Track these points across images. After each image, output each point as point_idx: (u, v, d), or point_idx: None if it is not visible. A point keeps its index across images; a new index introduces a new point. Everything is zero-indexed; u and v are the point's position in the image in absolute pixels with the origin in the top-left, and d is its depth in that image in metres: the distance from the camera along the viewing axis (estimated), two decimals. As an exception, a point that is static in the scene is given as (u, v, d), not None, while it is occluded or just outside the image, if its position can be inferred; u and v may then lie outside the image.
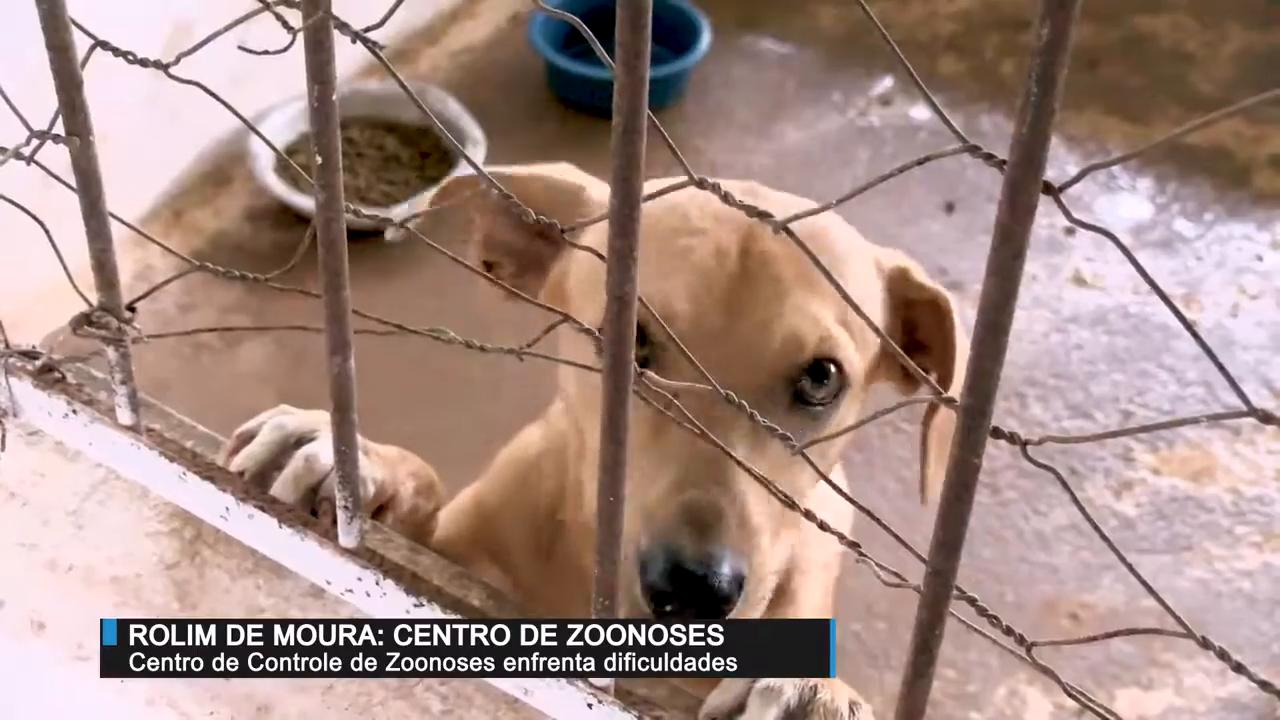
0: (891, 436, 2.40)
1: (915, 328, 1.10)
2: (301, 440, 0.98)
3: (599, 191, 1.09)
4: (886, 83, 3.12)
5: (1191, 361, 2.52)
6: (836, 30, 3.27)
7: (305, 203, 2.66)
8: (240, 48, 0.66)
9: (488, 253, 1.16)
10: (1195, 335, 0.56)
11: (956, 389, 1.03)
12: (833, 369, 0.99)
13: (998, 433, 0.66)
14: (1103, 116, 3.02)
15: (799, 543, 1.09)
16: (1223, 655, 0.59)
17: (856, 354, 1.00)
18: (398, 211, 2.82)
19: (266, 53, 0.66)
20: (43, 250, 0.94)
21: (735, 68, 3.17)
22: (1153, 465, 2.35)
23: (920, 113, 3.04)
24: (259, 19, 0.75)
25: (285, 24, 0.62)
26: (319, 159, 0.74)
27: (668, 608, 0.88)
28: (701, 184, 0.67)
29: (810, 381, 0.98)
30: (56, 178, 0.85)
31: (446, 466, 1.25)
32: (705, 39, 3.00)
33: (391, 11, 0.75)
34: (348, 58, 0.65)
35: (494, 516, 1.23)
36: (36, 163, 0.83)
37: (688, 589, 0.87)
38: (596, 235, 1.06)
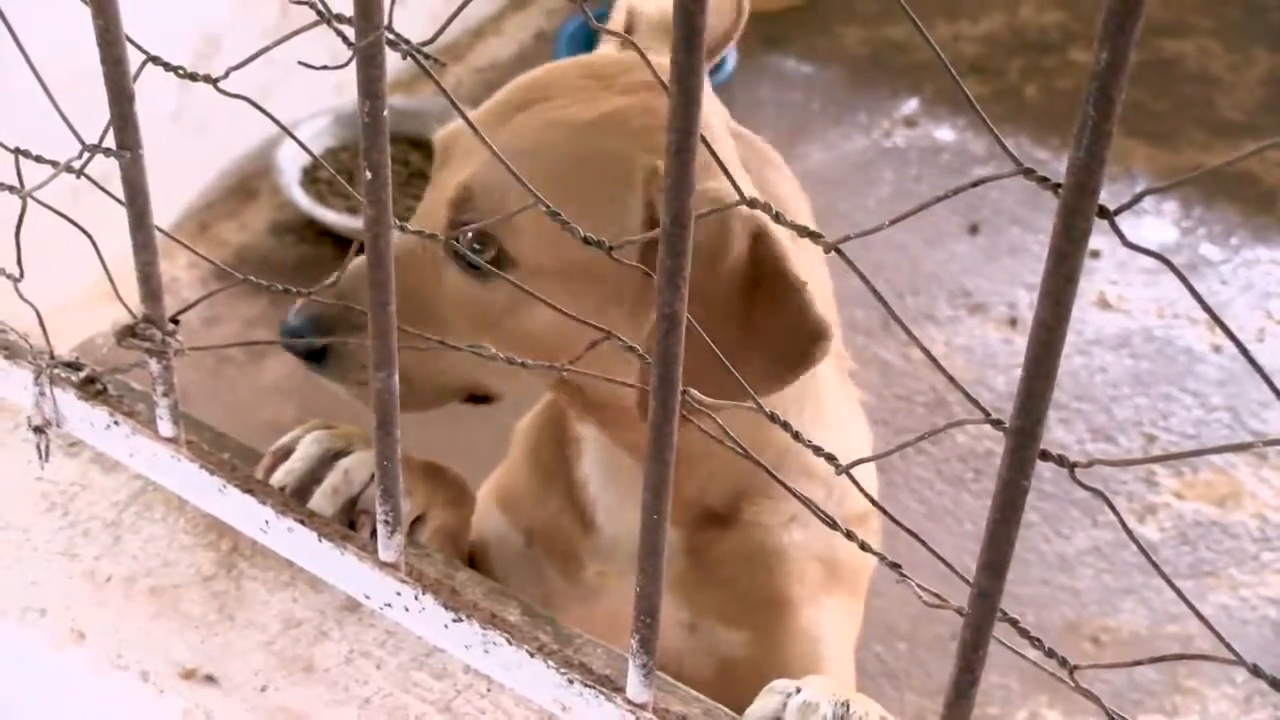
0: (913, 457, 2.40)
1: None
2: (339, 454, 0.99)
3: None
4: (911, 104, 3.13)
5: (1216, 386, 2.52)
6: (861, 51, 3.28)
7: (330, 216, 2.67)
8: (301, 64, 0.67)
9: None
10: (1257, 367, 0.56)
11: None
12: (487, 238, 1.00)
13: (1045, 455, 0.66)
14: (1126, 139, 3.02)
15: (750, 476, 1.10)
16: (1275, 685, 0.59)
17: (522, 233, 0.98)
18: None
19: (326, 68, 0.67)
20: (63, 261, 0.95)
21: (760, 88, 3.18)
22: (1176, 490, 2.35)
23: (945, 134, 3.05)
24: (286, 33, 0.76)
25: (346, 40, 0.62)
26: (368, 174, 0.75)
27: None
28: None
29: (473, 240, 1.01)
30: (106, 192, 0.85)
31: (468, 478, 1.27)
32: (731, 59, 3.01)
33: (443, 29, 0.75)
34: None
35: (508, 463, 1.30)
36: (86, 176, 0.83)
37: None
38: None
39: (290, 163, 2.74)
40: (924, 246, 2.73)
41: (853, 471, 0.73)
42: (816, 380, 1.11)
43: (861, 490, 0.75)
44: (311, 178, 2.78)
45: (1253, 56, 3.26)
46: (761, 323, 0.97)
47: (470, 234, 1.00)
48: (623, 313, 0.99)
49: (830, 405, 1.16)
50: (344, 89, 2.87)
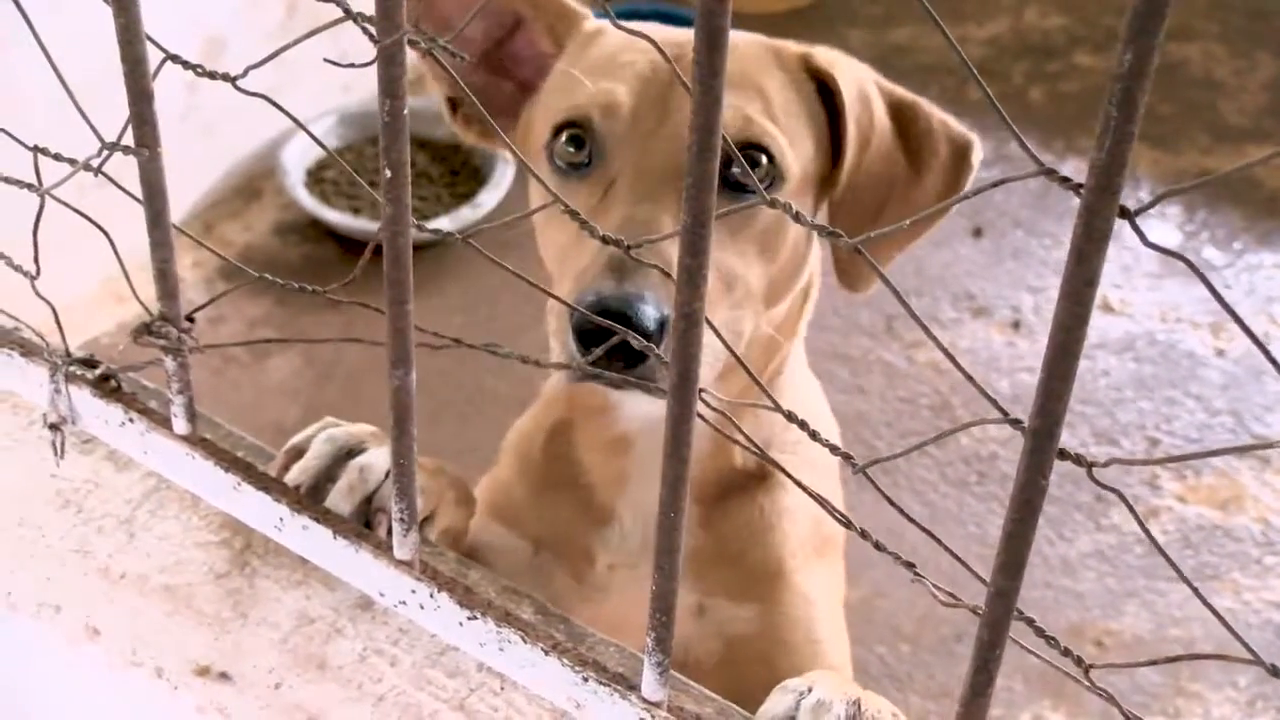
0: (916, 459, 2.40)
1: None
2: (352, 452, 0.99)
3: (592, 23, 1.17)
4: (915, 107, 3.13)
5: (1219, 390, 2.52)
6: (864, 55, 3.24)
7: (335, 217, 2.68)
8: (327, 61, 0.67)
9: (454, 88, 1.19)
10: (1272, 360, 0.56)
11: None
12: (764, 158, 1.06)
13: (1064, 454, 0.66)
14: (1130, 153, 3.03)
15: (778, 424, 1.14)
16: (1293, 680, 0.59)
17: (789, 148, 1.07)
18: (439, 223, 2.84)
19: (352, 65, 0.67)
20: (67, 262, 0.95)
21: (764, 90, 3.18)
22: (1179, 493, 2.35)
23: (949, 137, 3.05)
24: (294, 35, 0.76)
25: (372, 37, 0.63)
26: (388, 172, 0.75)
27: (594, 349, 0.92)
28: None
29: (740, 170, 1.03)
30: (123, 189, 0.86)
31: (473, 478, 1.28)
32: (735, 61, 3.01)
33: (463, 28, 0.76)
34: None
35: (500, 476, 1.29)
36: (104, 174, 0.84)
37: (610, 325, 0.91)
38: (572, 59, 1.12)
39: (295, 163, 2.75)
40: (928, 249, 2.73)
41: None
42: (795, 349, 1.22)
43: (879, 490, 0.75)
44: (316, 178, 2.79)
45: (1257, 61, 3.26)
46: (919, 148, 1.14)
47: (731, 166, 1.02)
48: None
49: (800, 370, 1.26)
50: (350, 89, 2.87)
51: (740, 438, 0.85)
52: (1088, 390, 2.52)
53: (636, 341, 0.82)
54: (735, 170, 1.02)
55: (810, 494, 0.81)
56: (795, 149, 1.08)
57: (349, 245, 2.69)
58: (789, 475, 0.81)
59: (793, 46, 1.14)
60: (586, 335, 0.93)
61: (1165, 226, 2.85)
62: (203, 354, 0.94)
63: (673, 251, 0.96)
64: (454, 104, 1.19)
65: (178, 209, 2.70)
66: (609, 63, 1.09)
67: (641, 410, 1.14)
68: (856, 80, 1.13)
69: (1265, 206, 2.90)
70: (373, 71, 0.69)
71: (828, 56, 1.14)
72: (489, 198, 2.70)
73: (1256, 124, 3.06)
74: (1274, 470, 2.38)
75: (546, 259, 1.12)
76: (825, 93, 1.12)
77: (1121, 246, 2.73)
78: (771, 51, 1.12)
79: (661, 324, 0.93)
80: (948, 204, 0.74)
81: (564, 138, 1.07)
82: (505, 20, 1.18)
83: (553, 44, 1.16)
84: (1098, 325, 2.64)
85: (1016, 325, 2.64)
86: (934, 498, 2.34)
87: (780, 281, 1.10)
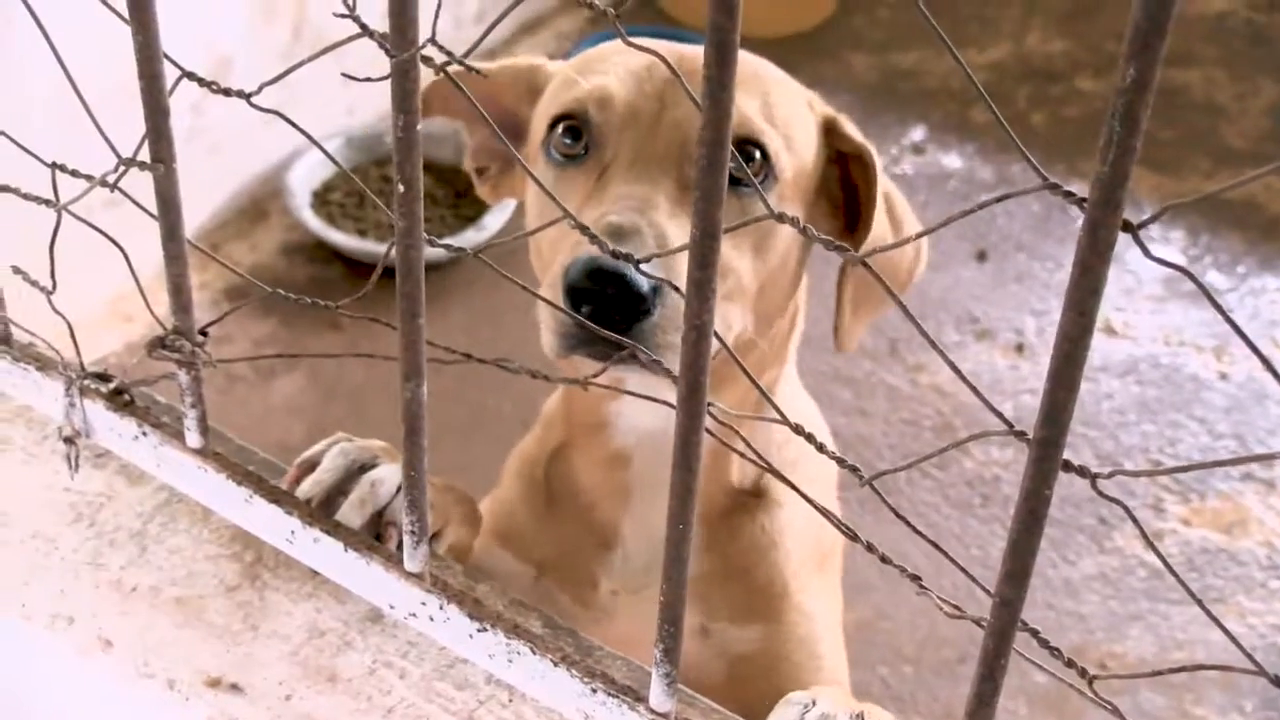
0: (919, 481, 2.41)
1: (855, 186, 1.17)
2: (364, 467, 1.00)
3: (554, 64, 1.20)
4: (919, 131, 3.15)
5: (1223, 413, 2.53)
6: (869, 78, 3.30)
7: (340, 238, 2.69)
8: (344, 75, 0.69)
9: (477, 160, 1.25)
10: (1273, 371, 0.57)
11: (876, 242, 1.13)
12: (758, 154, 1.07)
13: (1068, 466, 0.67)
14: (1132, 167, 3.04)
15: (774, 443, 1.16)
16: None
17: (785, 151, 1.09)
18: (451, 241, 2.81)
19: (370, 79, 0.69)
20: (74, 283, 0.96)
21: (767, 114, 3.19)
22: (1183, 516, 2.35)
23: (952, 161, 3.06)
24: (300, 57, 0.77)
25: (387, 50, 0.64)
26: (401, 187, 0.76)
27: (585, 308, 0.93)
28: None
29: (735, 165, 1.04)
30: (138, 204, 0.87)
31: (476, 498, 1.28)
32: (739, 85, 3.03)
33: (473, 48, 0.77)
34: (384, 91, 0.67)
35: (503, 500, 1.29)
36: (120, 189, 0.85)
37: (604, 286, 0.93)
38: (551, 94, 1.14)
39: (301, 185, 2.76)
40: (931, 272, 2.73)
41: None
42: (785, 374, 1.23)
43: (886, 503, 0.76)
44: (322, 200, 2.80)
45: (1258, 86, 3.28)
46: (900, 225, 1.20)
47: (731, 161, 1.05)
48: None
49: (792, 392, 1.27)
50: (355, 111, 2.89)
51: (740, 452, 0.86)
52: (1090, 413, 2.53)
53: (644, 355, 0.84)
54: (730, 165, 1.03)
55: (816, 506, 0.82)
56: (790, 154, 1.10)
57: (354, 267, 2.71)
58: (793, 486, 0.82)
59: (818, 103, 1.17)
60: (579, 297, 0.94)
61: (1168, 250, 2.86)
62: (214, 368, 0.95)
63: (668, 227, 0.99)
64: (479, 172, 1.25)
65: (185, 229, 2.73)
66: (599, 63, 1.12)
67: (638, 424, 1.15)
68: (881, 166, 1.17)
69: (1268, 230, 2.91)
70: (376, 95, 0.71)
71: (853, 130, 1.16)
72: (494, 220, 2.72)
73: (1258, 148, 3.08)
74: (1279, 494, 2.39)
75: (538, 264, 1.13)
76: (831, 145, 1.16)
77: (1124, 269, 2.75)
78: (803, 94, 1.15)
79: (655, 287, 0.94)
80: (937, 227, 0.75)
81: (560, 129, 1.09)
82: (505, 114, 1.21)
83: (532, 103, 1.18)
84: (1101, 348, 2.65)
85: (1020, 348, 2.65)
86: (936, 519, 2.35)
87: (770, 289, 1.11)
